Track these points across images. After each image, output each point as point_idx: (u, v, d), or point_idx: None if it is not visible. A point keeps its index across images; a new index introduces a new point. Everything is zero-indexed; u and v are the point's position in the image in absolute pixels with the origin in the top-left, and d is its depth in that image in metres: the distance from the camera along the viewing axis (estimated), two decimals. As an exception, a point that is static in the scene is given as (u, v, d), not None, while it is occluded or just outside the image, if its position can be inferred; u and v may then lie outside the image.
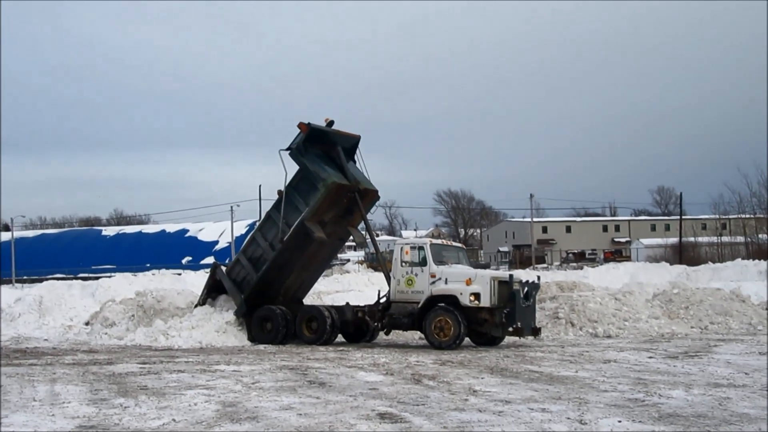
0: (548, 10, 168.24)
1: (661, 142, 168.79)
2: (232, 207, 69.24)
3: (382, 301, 20.19)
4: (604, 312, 22.65)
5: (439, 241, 20.80)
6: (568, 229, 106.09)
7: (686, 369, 14.02)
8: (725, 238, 65.88)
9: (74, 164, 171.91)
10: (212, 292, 22.08)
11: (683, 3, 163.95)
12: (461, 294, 18.51)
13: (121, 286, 31.51)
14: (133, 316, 22.80)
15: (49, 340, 22.71)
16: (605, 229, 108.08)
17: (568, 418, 9.28)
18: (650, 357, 16.06)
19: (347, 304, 21.56)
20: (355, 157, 21.74)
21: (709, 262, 43.31)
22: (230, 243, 65.48)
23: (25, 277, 62.70)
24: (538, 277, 20.95)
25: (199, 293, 22.85)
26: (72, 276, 55.00)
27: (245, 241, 22.82)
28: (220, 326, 20.76)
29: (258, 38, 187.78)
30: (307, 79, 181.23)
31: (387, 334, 20.78)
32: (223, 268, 22.09)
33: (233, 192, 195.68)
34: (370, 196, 21.48)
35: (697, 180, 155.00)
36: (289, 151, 20.44)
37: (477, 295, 18.42)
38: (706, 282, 32.51)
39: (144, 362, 15.91)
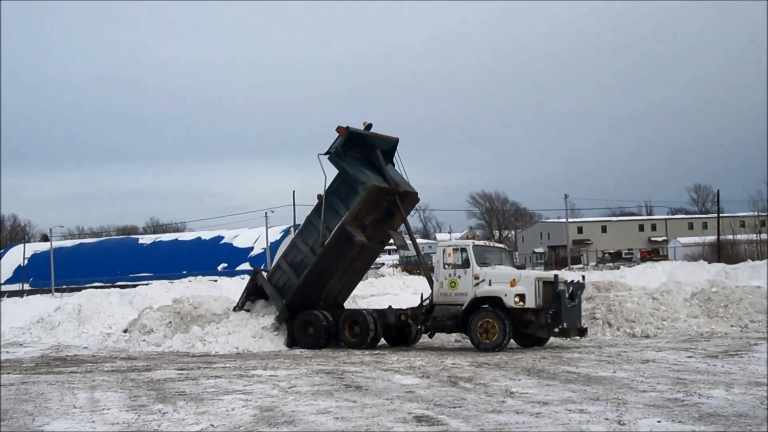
0: (576, 9, 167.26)
1: (697, 139, 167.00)
2: (266, 213, 69.12)
3: (425, 303, 20.13)
4: (642, 312, 22.41)
5: (481, 243, 20.54)
6: (604, 229, 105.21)
7: (726, 368, 13.83)
8: (764, 236, 64.88)
9: (111, 175, 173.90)
10: (251, 296, 22.16)
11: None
12: (506, 295, 18.37)
13: (158, 293, 31.83)
14: (170, 323, 23.02)
15: (88, 347, 22.99)
16: (641, 228, 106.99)
17: (607, 419, 9.20)
18: (689, 356, 15.86)
19: (390, 307, 21.52)
20: (394, 160, 21.66)
21: (748, 260, 42.60)
22: (265, 249, 65.74)
23: (64, 287, 63.46)
24: (583, 277, 20.70)
25: (236, 300, 22.97)
26: (110, 284, 55.53)
27: (286, 247, 22.82)
28: (256, 332, 20.85)
29: (286, 45, 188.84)
30: (339, 84, 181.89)
31: (431, 336, 20.71)
32: (264, 274, 22.19)
33: (267, 198, 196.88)
34: (409, 198, 21.45)
35: (734, 177, 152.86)
36: (328, 156, 20.41)
37: (522, 296, 18.27)
38: (746, 280, 31.95)
39: (182, 368, 16.05)
